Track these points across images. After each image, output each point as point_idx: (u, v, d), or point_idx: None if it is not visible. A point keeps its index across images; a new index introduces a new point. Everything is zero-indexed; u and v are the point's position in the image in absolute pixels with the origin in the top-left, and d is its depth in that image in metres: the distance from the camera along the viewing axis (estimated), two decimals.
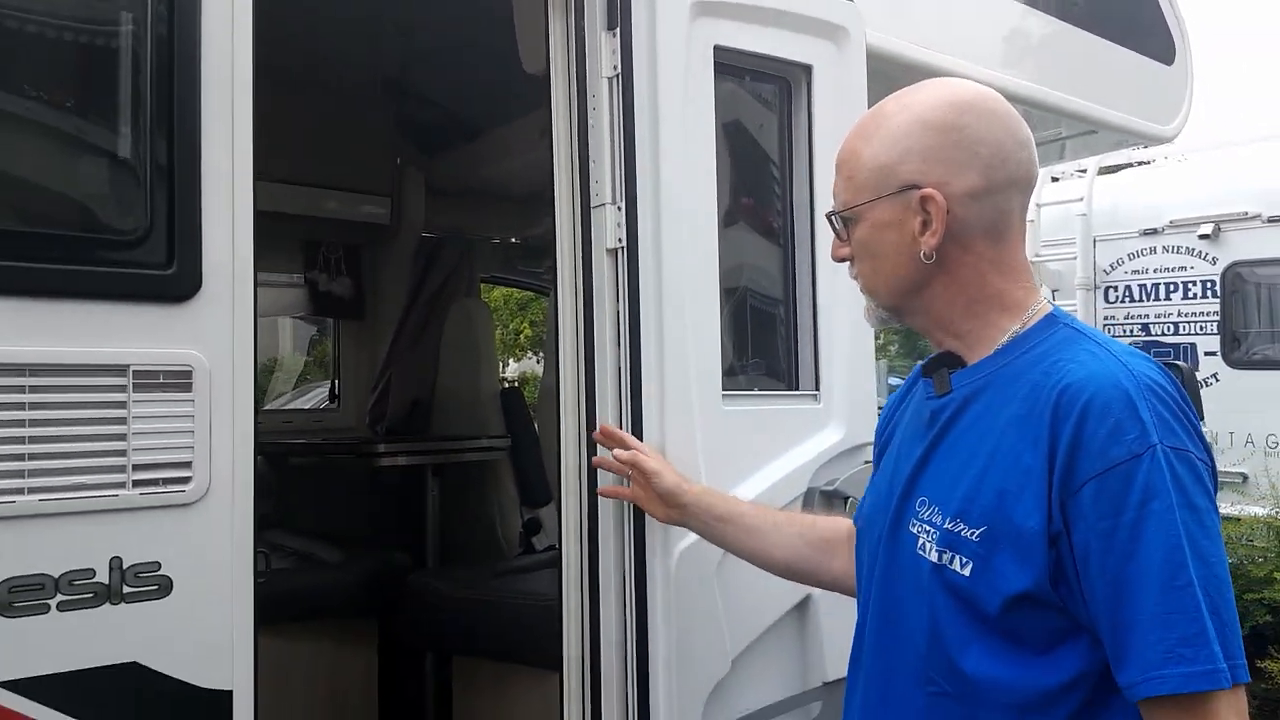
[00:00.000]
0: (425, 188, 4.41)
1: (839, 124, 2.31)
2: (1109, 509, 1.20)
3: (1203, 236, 6.61)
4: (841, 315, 2.27)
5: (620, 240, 2.01)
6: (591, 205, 2.04)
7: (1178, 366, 3.10)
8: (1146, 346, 6.85)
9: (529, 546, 3.67)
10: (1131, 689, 1.20)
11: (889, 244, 1.38)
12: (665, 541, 1.98)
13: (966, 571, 1.27)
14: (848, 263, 1.47)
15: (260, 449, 4.22)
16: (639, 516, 1.97)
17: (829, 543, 1.76)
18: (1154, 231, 6.87)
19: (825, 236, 2.21)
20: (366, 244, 4.59)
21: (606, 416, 2.00)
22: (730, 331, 2.24)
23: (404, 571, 3.22)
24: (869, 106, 2.27)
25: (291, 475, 4.00)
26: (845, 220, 1.43)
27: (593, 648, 1.98)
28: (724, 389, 2.10)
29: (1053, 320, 1.36)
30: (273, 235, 4.33)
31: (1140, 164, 7.88)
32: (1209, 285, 6.67)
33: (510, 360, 14.93)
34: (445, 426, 3.97)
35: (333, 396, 4.95)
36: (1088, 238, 7.01)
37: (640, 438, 1.97)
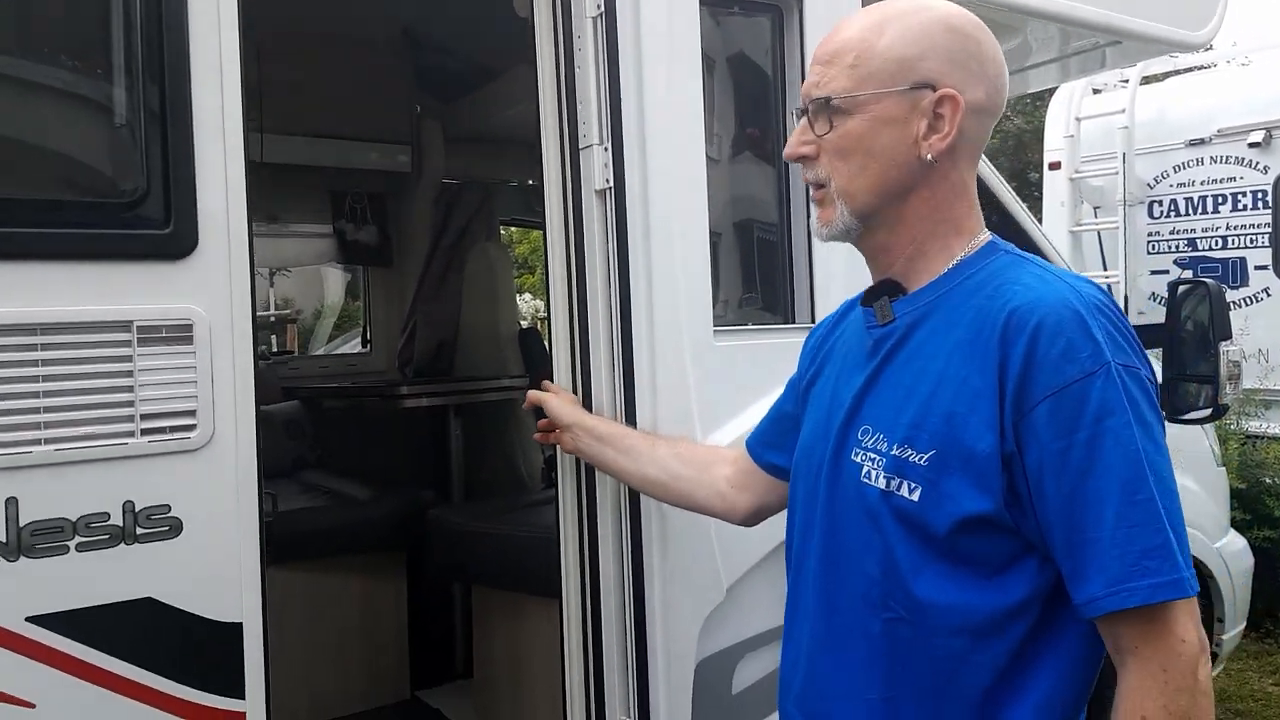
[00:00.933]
0: (443, 135, 4.45)
1: None
2: (1065, 427, 1.20)
3: (1252, 145, 6.26)
4: (838, 245, 2.28)
5: (608, 181, 2.04)
6: (580, 146, 2.08)
7: (1204, 283, 3.08)
8: (1193, 262, 6.66)
9: (550, 481, 3.77)
10: (1093, 604, 1.20)
11: (885, 141, 1.33)
12: None
13: (915, 497, 1.28)
14: (802, 162, 1.41)
15: (295, 393, 4.36)
16: None
17: (706, 463, 1.81)
18: (1201, 141, 6.53)
19: None
20: (390, 193, 4.66)
21: (599, 355, 2.06)
22: (724, 266, 2.27)
23: (429, 508, 3.34)
24: None
25: (325, 417, 4.15)
26: (837, 111, 1.35)
27: (592, 578, 2.07)
28: (716, 324, 2.13)
29: (994, 247, 1.37)
30: (301, 187, 4.45)
31: (1199, 69, 7.54)
32: (1259, 196, 6.33)
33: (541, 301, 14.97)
34: (469, 367, 4.07)
35: (365, 341, 5.07)
36: (1130, 150, 6.73)
37: (630, 376, 2.03)
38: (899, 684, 1.31)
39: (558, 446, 2.08)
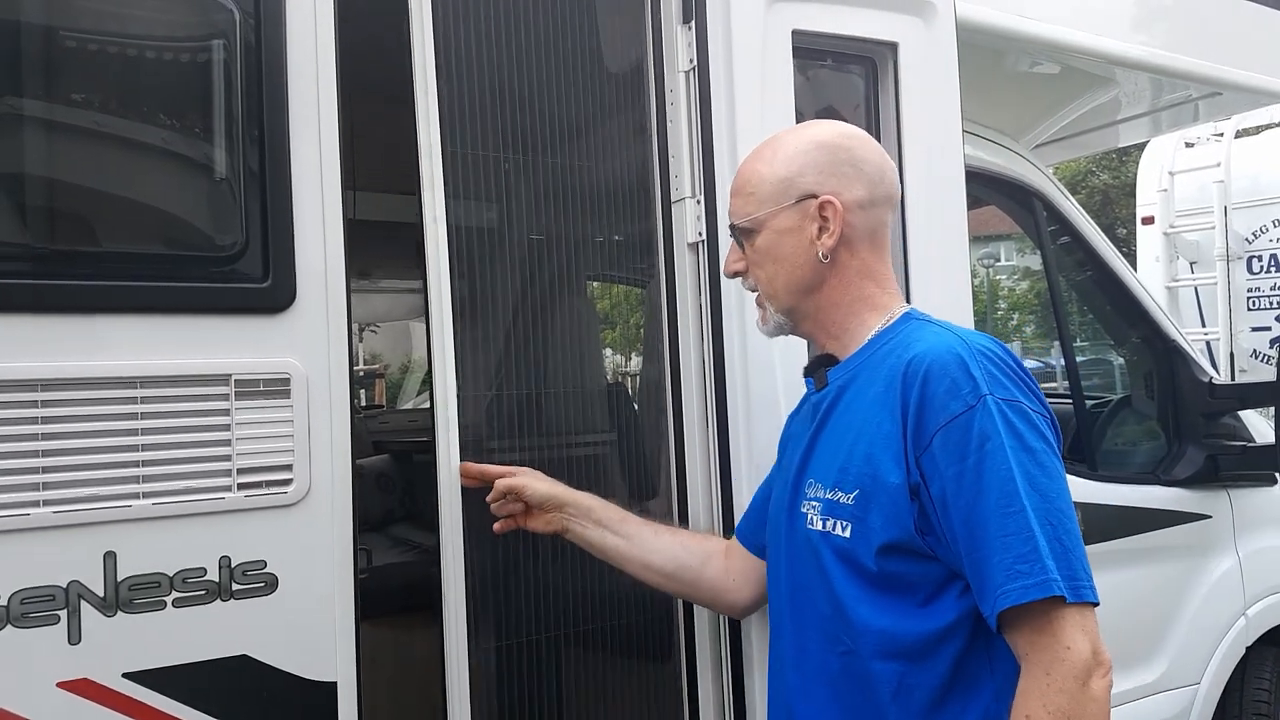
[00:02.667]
0: (532, 190, 4.49)
1: (928, 102, 2.26)
2: (955, 455, 1.37)
3: None
4: (934, 297, 2.22)
5: (700, 234, 2.01)
6: (672, 200, 2.06)
7: None
8: None
9: None
10: (990, 616, 1.35)
11: (789, 248, 1.58)
12: None
13: (846, 534, 1.45)
14: (740, 277, 1.67)
15: (385, 447, 4.38)
16: (727, 506, 1.98)
17: (706, 555, 1.85)
18: None
19: (915, 213, 2.21)
20: (478, 247, 4.71)
21: (692, 410, 2.02)
22: None
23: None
24: (960, 83, 2.28)
25: (415, 471, 4.16)
26: (747, 232, 1.62)
27: (687, 635, 2.01)
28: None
29: (908, 317, 1.58)
30: (391, 243, 4.53)
31: None
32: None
33: (631, 353, 15.03)
34: (555, 423, 4.05)
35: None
36: (1228, 204, 6.59)
37: (725, 431, 1.98)
38: (855, 714, 1.46)
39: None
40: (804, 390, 1.73)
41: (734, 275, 1.69)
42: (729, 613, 1.91)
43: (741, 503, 1.96)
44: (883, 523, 1.41)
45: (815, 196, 1.56)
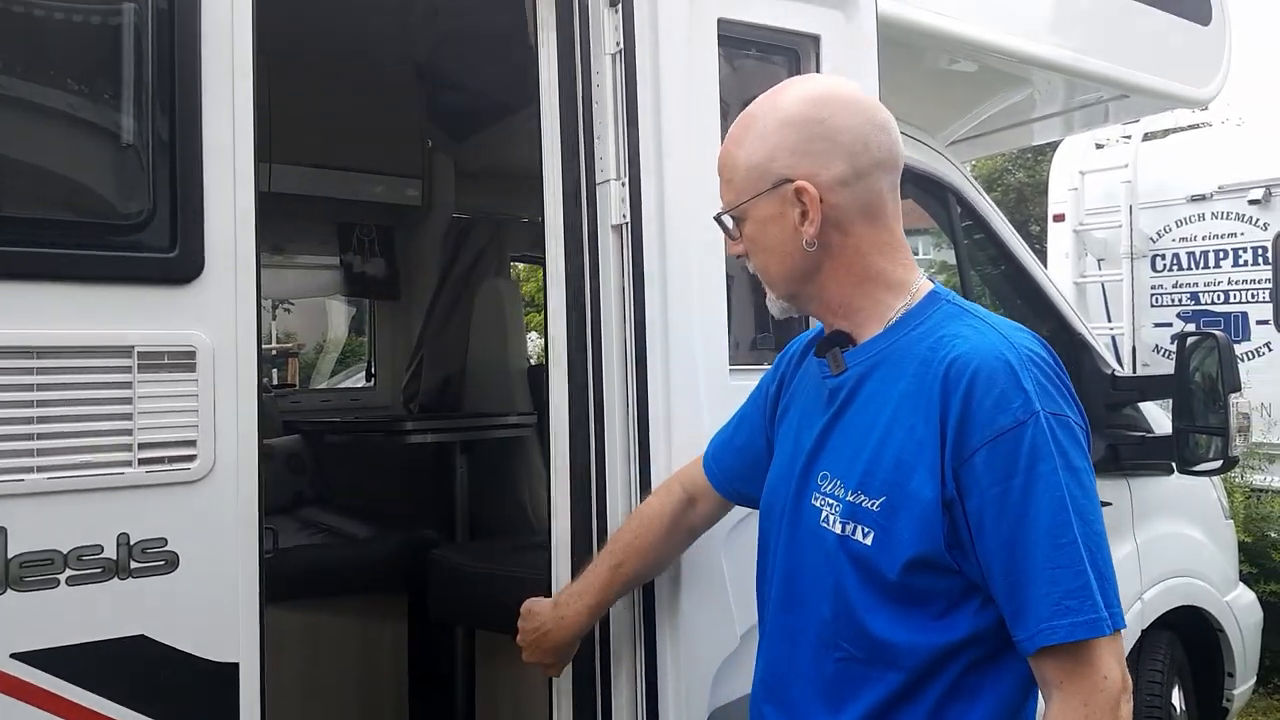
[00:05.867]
0: (455, 169, 4.44)
1: None
2: (1000, 474, 1.29)
3: (1253, 202, 6.41)
4: None
5: (625, 216, 2.01)
6: (597, 182, 2.05)
7: (1213, 335, 3.06)
8: (1196, 316, 6.69)
9: None
10: (1024, 643, 1.30)
11: (774, 237, 1.47)
12: None
13: (868, 541, 1.36)
14: (746, 258, 1.56)
15: (296, 427, 4.30)
16: (645, 489, 1.98)
17: (673, 522, 1.85)
18: (1202, 197, 6.66)
19: None
20: (399, 225, 4.64)
21: (613, 393, 2.01)
22: (741, 305, 2.23)
23: (432, 547, 3.26)
24: (879, 77, 2.31)
25: (327, 453, 4.09)
26: (734, 220, 1.52)
27: (601, 623, 2.00)
28: (732, 363, 2.09)
29: (935, 297, 1.46)
30: (308, 218, 4.43)
31: (1194, 128, 7.65)
32: (1260, 252, 6.47)
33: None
34: (476, 404, 4.01)
35: (369, 375, 5.03)
36: (1134, 204, 6.82)
37: (645, 414, 1.98)
38: (846, 715, 1.40)
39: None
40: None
41: (738, 257, 1.58)
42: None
43: (659, 479, 1.96)
44: (911, 536, 1.33)
45: (790, 181, 1.43)
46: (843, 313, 1.49)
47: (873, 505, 1.36)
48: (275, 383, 7.25)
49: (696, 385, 2.02)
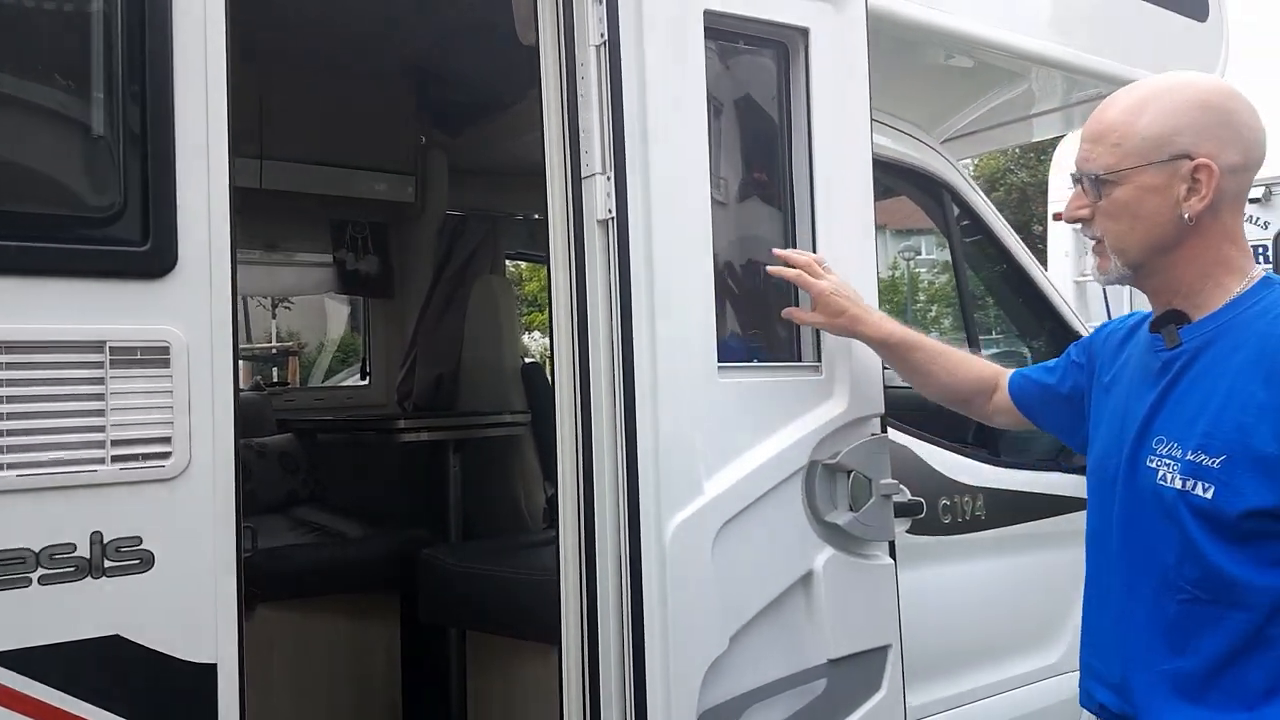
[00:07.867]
0: (449, 166, 4.41)
1: (839, 89, 2.26)
2: None
3: (1252, 200, 6.39)
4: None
5: (610, 211, 1.98)
6: (582, 175, 2.02)
7: None
8: None
9: (552, 522, 3.67)
10: None
11: (1150, 206, 1.55)
12: (659, 517, 1.96)
13: (1209, 495, 1.48)
14: (1079, 224, 1.65)
15: (290, 426, 4.26)
16: (632, 490, 1.96)
17: (976, 390, 2.11)
18: None
19: (823, 199, 2.21)
20: (392, 223, 4.61)
21: (600, 390, 1.99)
22: (729, 303, 2.20)
23: (425, 547, 3.24)
24: (870, 70, 2.28)
25: (320, 451, 4.07)
26: (1104, 182, 1.58)
27: (589, 625, 1.98)
28: (720, 360, 2.06)
29: (1269, 281, 1.58)
30: (300, 215, 4.41)
31: None
32: (1260, 251, 6.45)
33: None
34: (470, 402, 3.99)
35: (364, 373, 5.00)
36: None
37: (633, 412, 1.95)
38: (1190, 656, 1.51)
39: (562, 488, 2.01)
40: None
41: (1073, 221, 1.67)
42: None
43: (646, 479, 1.94)
44: (1254, 489, 1.45)
45: (1190, 158, 1.52)
46: (1185, 291, 1.59)
47: (1213, 463, 1.48)
48: (275, 381, 7.25)
49: (683, 383, 2.00)
